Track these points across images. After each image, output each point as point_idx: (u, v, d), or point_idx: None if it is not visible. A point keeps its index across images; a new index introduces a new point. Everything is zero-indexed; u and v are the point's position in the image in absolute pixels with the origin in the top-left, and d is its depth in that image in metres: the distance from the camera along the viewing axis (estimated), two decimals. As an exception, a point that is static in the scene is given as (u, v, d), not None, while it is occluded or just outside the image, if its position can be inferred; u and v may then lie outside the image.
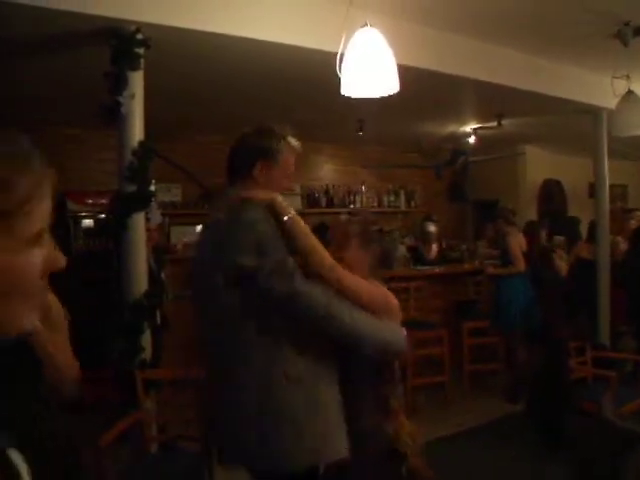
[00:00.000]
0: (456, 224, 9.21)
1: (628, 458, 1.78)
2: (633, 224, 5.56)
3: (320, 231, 2.70)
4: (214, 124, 6.58)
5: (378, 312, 1.85)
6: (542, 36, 4.49)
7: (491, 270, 5.60)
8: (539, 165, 8.77)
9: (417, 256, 6.98)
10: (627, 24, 4.16)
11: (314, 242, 1.81)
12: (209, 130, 6.91)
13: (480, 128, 7.06)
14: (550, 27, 4.33)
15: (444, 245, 7.36)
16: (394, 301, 1.95)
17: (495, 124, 6.47)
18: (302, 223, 1.82)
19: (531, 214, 8.05)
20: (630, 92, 4.41)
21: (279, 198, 1.85)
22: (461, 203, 8.81)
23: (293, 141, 2.05)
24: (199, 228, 7.14)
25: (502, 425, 4.64)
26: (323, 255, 1.80)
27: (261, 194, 1.86)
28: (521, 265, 5.21)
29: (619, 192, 9.63)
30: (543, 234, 5.59)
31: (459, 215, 9.36)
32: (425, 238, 7.25)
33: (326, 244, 1.88)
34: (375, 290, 1.92)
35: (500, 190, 8.61)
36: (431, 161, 8.14)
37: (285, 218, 1.79)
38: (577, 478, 2.48)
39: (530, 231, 5.66)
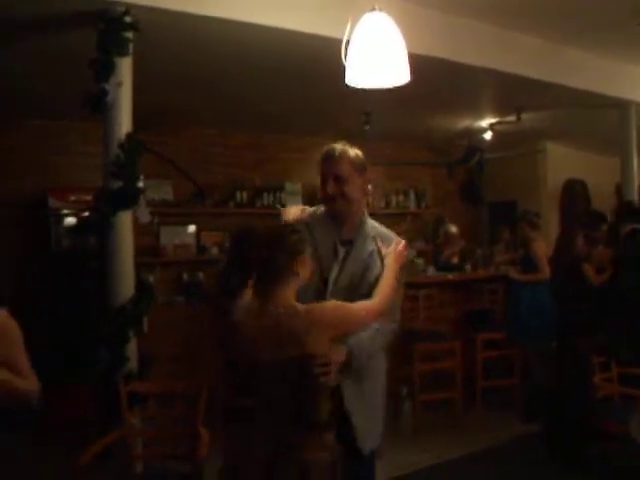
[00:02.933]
0: (470, 227, 9.18)
1: None
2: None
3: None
4: (208, 116, 6.57)
5: None
6: (566, 23, 4.48)
7: (515, 275, 5.56)
8: (561, 163, 8.71)
9: (436, 260, 6.97)
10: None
11: None
12: (203, 123, 6.90)
13: (498, 123, 7.03)
14: (574, 13, 4.30)
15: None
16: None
17: (514, 119, 6.44)
18: None
19: (552, 217, 8.01)
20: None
21: None
22: (475, 204, 8.76)
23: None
24: (191, 228, 7.18)
25: (517, 446, 4.61)
26: None
27: None
28: (547, 272, 5.19)
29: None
30: (579, 242, 5.52)
31: (473, 217, 9.31)
32: (447, 240, 7.24)
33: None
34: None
35: (518, 190, 8.57)
36: (443, 158, 8.11)
37: None
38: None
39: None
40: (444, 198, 8.91)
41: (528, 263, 5.42)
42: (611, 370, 4.01)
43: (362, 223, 2.43)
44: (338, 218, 2.42)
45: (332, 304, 2.07)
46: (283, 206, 7.71)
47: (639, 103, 5.05)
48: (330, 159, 2.38)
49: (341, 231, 2.41)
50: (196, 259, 6.96)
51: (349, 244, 2.39)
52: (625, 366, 4.02)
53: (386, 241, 2.37)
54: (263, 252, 2.03)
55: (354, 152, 2.41)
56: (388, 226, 2.53)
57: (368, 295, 2.20)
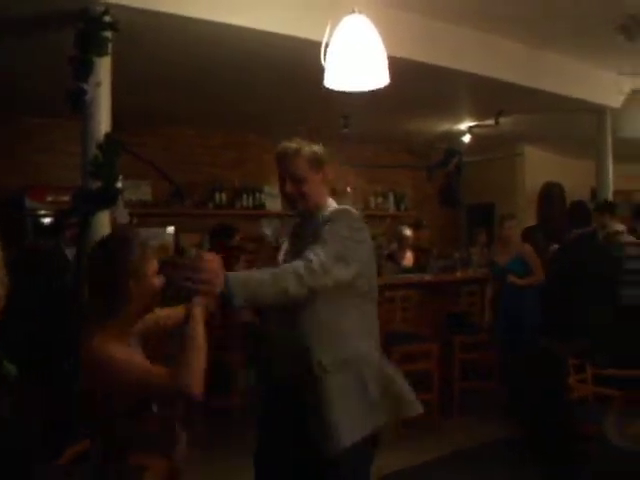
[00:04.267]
0: (449, 230, 9.26)
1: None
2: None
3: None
4: (187, 116, 6.57)
5: None
6: (545, 28, 4.55)
7: (518, 281, 5.26)
8: (539, 167, 8.83)
9: (391, 263, 6.95)
10: (632, 17, 4.22)
11: None
12: (182, 123, 6.89)
13: (476, 126, 7.11)
14: (554, 19, 4.38)
15: (436, 252, 7.38)
16: None
17: (493, 122, 6.52)
18: None
19: (530, 220, 8.11)
20: (637, 91, 4.47)
21: None
22: (454, 207, 8.85)
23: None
24: (170, 229, 7.14)
25: (494, 449, 4.62)
26: None
27: None
28: (541, 274, 5.19)
29: (626, 198, 9.74)
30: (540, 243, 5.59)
31: (452, 220, 9.40)
32: (400, 244, 7.26)
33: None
34: None
35: (496, 193, 8.66)
36: (423, 161, 8.18)
37: None
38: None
39: (528, 239, 5.66)
40: (423, 201, 8.98)
41: (521, 267, 5.33)
42: (585, 371, 4.06)
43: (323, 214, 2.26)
44: (304, 216, 2.33)
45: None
46: (261, 206, 7.78)
47: (615, 108, 5.12)
48: (284, 158, 2.21)
49: (305, 227, 2.32)
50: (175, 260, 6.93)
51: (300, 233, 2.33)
52: (600, 368, 4.08)
53: (334, 218, 2.20)
54: None
55: (310, 149, 2.21)
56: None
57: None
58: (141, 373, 1.77)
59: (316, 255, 2.03)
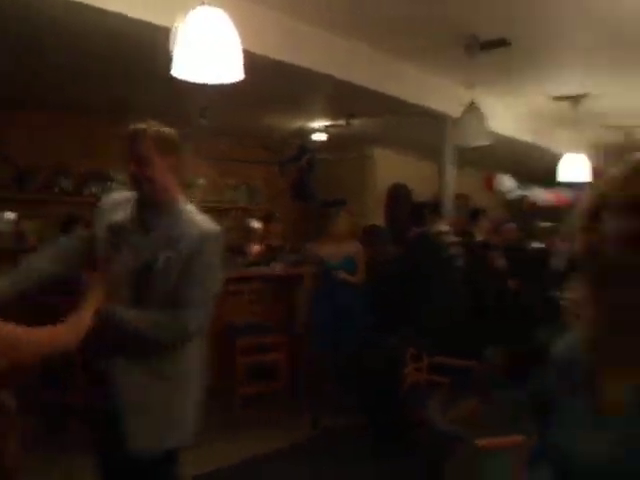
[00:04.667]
0: (301, 224, 9.44)
1: (448, 460, 1.98)
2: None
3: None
4: (33, 97, 6.21)
5: None
6: (395, 37, 4.79)
7: (348, 278, 5.34)
8: (388, 169, 9.25)
9: (239, 256, 6.99)
10: (474, 37, 4.58)
11: None
12: (28, 104, 6.49)
13: (330, 126, 7.33)
14: (404, 30, 4.63)
15: (288, 246, 7.50)
16: None
17: (344, 123, 6.75)
18: None
19: (378, 219, 8.47)
20: (473, 103, 4.84)
21: None
22: (306, 202, 9.04)
23: None
24: (10, 215, 6.68)
25: (337, 437, 4.80)
26: None
27: None
28: (363, 275, 5.34)
29: (463, 201, 10.45)
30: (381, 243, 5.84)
31: (304, 215, 9.60)
32: (249, 237, 7.32)
33: None
34: None
35: (347, 192, 8.95)
36: (277, 157, 8.29)
37: None
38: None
39: (369, 237, 5.88)
40: (277, 195, 9.09)
41: (351, 265, 5.47)
42: (422, 360, 4.37)
43: (174, 209, 2.24)
44: (147, 203, 2.24)
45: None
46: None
47: (455, 118, 5.48)
48: (131, 139, 2.18)
49: (144, 213, 2.24)
50: (13, 248, 6.51)
51: (146, 225, 2.23)
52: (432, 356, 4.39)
53: (193, 227, 2.20)
54: None
55: (157, 130, 2.19)
56: (216, 220, 2.35)
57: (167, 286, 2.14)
58: None
59: (195, 318, 2.16)
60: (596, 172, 6.87)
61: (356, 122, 6.84)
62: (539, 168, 8.32)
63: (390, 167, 9.25)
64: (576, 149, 6.91)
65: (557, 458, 1.23)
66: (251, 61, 2.61)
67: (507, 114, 7.09)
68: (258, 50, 3.87)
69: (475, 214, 6.70)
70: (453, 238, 5.76)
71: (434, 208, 5.89)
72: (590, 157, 7.06)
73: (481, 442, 2.21)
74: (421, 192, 8.91)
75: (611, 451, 1.10)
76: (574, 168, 6.74)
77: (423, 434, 3.47)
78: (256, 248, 7.30)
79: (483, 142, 4.89)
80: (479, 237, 6.27)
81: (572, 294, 1.30)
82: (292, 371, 5.55)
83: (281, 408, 5.28)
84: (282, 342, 5.50)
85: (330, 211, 5.66)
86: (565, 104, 6.51)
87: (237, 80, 2.56)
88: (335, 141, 7.80)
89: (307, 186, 7.90)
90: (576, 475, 1.20)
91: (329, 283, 5.33)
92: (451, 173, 6.19)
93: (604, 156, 8.17)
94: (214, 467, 4.11)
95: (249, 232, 7.40)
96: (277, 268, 6.36)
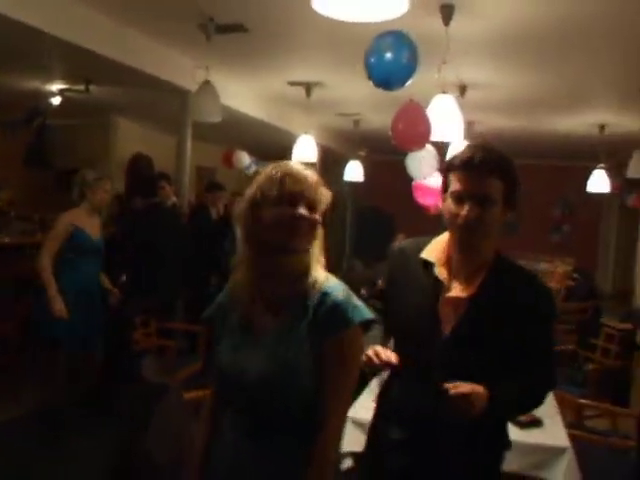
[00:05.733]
0: (35, 192, 8.99)
1: (156, 407, 2.24)
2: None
3: None
4: None
5: None
6: (139, 12, 4.83)
7: None
8: (130, 138, 9.21)
9: None
10: (211, 20, 4.82)
11: None
12: None
13: (67, 90, 7.09)
14: (145, 6, 4.70)
15: (14, 214, 7.16)
16: None
17: (83, 88, 6.61)
18: None
19: (119, 187, 8.43)
20: (207, 82, 5.11)
21: None
22: (40, 169, 8.64)
23: None
24: None
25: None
26: None
27: None
28: None
29: (207, 174, 10.78)
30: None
31: (39, 182, 9.15)
32: None
33: None
34: None
35: (87, 160, 8.74)
36: (4, 118, 7.77)
37: None
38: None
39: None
40: (7, 160, 8.52)
41: None
42: (150, 326, 4.59)
43: None
44: None
45: None
46: None
47: (192, 93, 5.68)
48: None
49: None
50: None
51: None
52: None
53: None
54: None
55: None
56: None
57: None
58: None
59: None
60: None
61: (96, 89, 6.72)
62: (276, 147, 8.92)
63: (133, 137, 9.24)
64: (308, 131, 7.55)
65: (219, 372, 1.73)
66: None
67: (247, 94, 7.51)
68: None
69: (210, 187, 7.05)
70: (185, 210, 6.12)
71: (166, 180, 6.12)
72: (319, 140, 7.78)
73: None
74: (164, 164, 9.10)
75: (262, 365, 1.54)
76: (305, 148, 7.38)
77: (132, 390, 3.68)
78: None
79: (216, 118, 5.18)
80: (212, 208, 6.64)
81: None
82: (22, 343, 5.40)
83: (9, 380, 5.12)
84: (9, 313, 5.32)
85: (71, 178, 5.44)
86: (300, 89, 7.08)
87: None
88: (75, 107, 7.56)
89: (40, 152, 7.56)
90: (231, 385, 1.68)
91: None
92: (189, 146, 6.40)
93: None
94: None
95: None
96: (6, 239, 6.10)
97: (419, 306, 1.90)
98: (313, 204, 1.66)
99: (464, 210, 1.81)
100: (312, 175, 1.69)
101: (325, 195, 1.69)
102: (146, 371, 3.04)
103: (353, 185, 11.28)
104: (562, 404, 3.71)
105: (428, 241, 1.99)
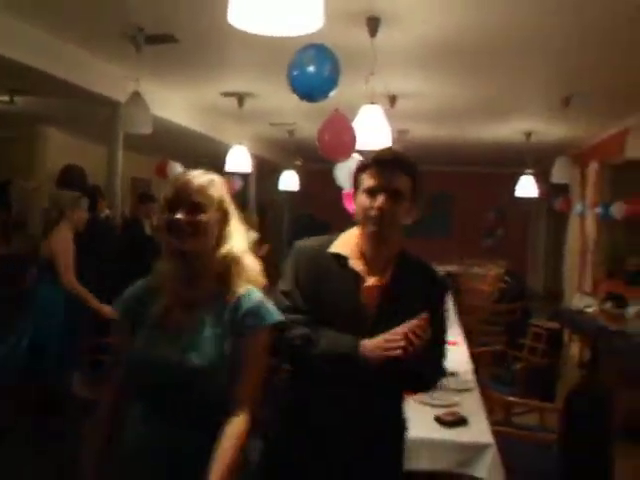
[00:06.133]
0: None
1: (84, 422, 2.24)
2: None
3: None
4: None
5: None
6: (68, 22, 4.76)
7: None
8: (61, 149, 9.02)
9: None
10: (141, 30, 4.80)
11: None
12: None
13: (-11, 101, 6.91)
14: (74, 16, 4.63)
15: None
16: None
17: (7, 99, 6.45)
18: None
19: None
20: (137, 93, 5.08)
21: None
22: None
23: None
24: None
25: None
26: None
27: None
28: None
29: (142, 185, 10.65)
30: None
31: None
32: None
33: None
34: None
35: (14, 172, 8.55)
36: None
37: None
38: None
39: None
40: None
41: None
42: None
43: None
44: None
45: None
46: None
47: (122, 104, 5.63)
48: None
49: None
50: None
51: None
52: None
53: None
54: None
55: None
56: None
57: None
58: None
59: None
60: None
61: (22, 100, 6.57)
62: (210, 157, 8.89)
63: (64, 148, 9.06)
64: (242, 142, 7.57)
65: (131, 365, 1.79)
66: None
67: (180, 105, 7.48)
68: None
69: (143, 199, 7.00)
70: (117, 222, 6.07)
71: (97, 190, 6.07)
72: (253, 150, 7.82)
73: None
74: (97, 176, 8.94)
75: (176, 361, 1.70)
76: (239, 159, 7.40)
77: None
78: None
79: (147, 130, 5.16)
80: (146, 220, 6.59)
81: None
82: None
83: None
84: None
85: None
86: (233, 100, 7.10)
87: None
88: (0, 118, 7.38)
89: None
90: (144, 380, 1.75)
91: None
92: (120, 158, 6.31)
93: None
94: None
95: None
96: None
97: (343, 293, 2.01)
98: (198, 207, 1.78)
99: (377, 202, 1.95)
100: (200, 181, 1.82)
101: (217, 197, 1.82)
102: (76, 387, 3.01)
103: (289, 194, 11.37)
104: (491, 402, 3.84)
105: (329, 239, 2.12)
